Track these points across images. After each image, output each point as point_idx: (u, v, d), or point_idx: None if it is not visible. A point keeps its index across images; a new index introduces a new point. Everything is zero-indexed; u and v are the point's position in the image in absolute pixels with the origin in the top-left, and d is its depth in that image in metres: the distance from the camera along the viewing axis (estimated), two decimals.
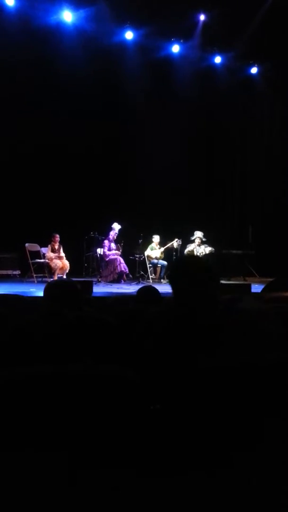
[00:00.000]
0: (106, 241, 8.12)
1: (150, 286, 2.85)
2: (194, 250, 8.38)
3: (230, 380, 1.09)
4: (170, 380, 1.14)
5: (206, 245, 8.45)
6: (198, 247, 8.42)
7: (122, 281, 8.06)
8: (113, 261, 8.03)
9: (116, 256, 8.07)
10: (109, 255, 8.06)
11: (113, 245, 8.22)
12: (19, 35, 7.83)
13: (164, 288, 7.04)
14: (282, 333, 1.27)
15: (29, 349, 1.15)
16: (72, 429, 0.96)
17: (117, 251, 8.17)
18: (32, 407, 0.95)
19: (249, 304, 1.44)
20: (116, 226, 8.23)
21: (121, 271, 8.03)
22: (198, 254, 8.27)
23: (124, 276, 8.18)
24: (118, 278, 8.03)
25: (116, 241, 8.30)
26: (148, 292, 2.65)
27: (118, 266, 7.99)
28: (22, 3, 7.94)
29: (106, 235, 8.19)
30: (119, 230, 8.27)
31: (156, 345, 1.28)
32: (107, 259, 8.06)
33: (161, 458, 1.03)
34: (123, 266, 8.05)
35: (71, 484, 0.95)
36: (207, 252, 8.32)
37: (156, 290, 2.68)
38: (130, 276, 8.49)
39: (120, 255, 8.17)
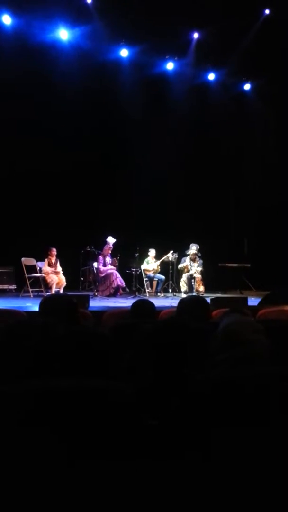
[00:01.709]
0: (100, 257, 8.10)
1: (145, 300, 2.86)
2: (188, 265, 8.35)
3: (220, 393, 1.08)
4: (160, 394, 1.14)
5: (201, 261, 8.41)
6: (192, 262, 8.38)
7: (119, 295, 8.04)
8: (109, 275, 8.01)
9: (112, 271, 8.05)
10: (104, 271, 8.03)
11: (108, 260, 8.19)
12: (15, 52, 7.96)
13: (161, 302, 7.04)
14: (269, 346, 1.28)
15: (22, 363, 1.15)
16: (67, 441, 0.95)
17: (112, 267, 8.13)
18: (26, 422, 0.94)
19: (235, 317, 1.44)
20: (111, 240, 8.19)
21: (118, 285, 8.00)
22: (190, 269, 8.27)
23: (121, 290, 8.16)
24: (115, 292, 8.00)
25: (112, 255, 8.29)
26: (143, 306, 2.65)
27: (115, 280, 7.96)
28: (18, 22, 8.08)
29: (102, 250, 8.19)
30: (115, 243, 8.26)
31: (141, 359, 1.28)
32: (102, 275, 8.03)
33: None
34: (119, 280, 8.03)
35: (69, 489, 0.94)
36: (198, 271, 8.29)
37: (151, 304, 2.68)
38: (127, 289, 8.48)
39: (117, 270, 8.16)
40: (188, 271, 8.28)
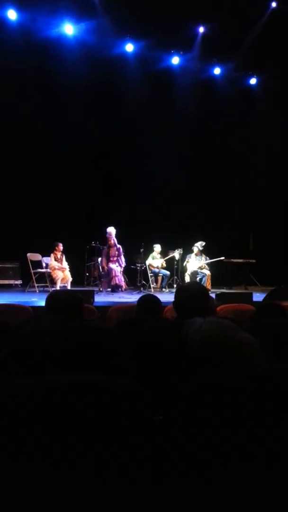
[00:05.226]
0: (105, 249, 7.97)
1: (151, 295, 2.85)
2: (191, 261, 8.36)
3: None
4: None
5: (207, 259, 8.42)
6: (197, 256, 8.40)
7: (121, 291, 7.93)
8: (111, 270, 7.88)
9: (112, 268, 7.87)
10: (105, 265, 7.92)
11: (113, 252, 8.05)
12: (20, 47, 7.95)
13: (165, 297, 7.02)
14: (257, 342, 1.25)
15: (33, 358, 1.15)
16: (75, 438, 0.96)
17: (112, 259, 7.99)
18: (37, 418, 0.94)
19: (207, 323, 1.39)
20: (111, 230, 7.98)
21: (116, 284, 7.83)
22: (194, 265, 8.28)
23: (120, 289, 7.92)
24: (113, 290, 7.82)
25: (117, 247, 8.07)
26: (149, 301, 2.66)
27: (113, 278, 7.81)
28: (24, 17, 8.06)
29: (106, 244, 8.13)
30: (117, 233, 8.03)
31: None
32: (102, 268, 7.97)
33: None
34: (117, 279, 7.83)
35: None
36: (206, 266, 8.32)
37: (157, 299, 2.67)
38: (128, 282, 8.43)
39: (119, 265, 8.01)
40: (201, 268, 8.31)
